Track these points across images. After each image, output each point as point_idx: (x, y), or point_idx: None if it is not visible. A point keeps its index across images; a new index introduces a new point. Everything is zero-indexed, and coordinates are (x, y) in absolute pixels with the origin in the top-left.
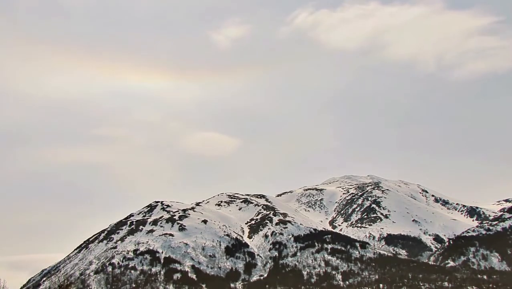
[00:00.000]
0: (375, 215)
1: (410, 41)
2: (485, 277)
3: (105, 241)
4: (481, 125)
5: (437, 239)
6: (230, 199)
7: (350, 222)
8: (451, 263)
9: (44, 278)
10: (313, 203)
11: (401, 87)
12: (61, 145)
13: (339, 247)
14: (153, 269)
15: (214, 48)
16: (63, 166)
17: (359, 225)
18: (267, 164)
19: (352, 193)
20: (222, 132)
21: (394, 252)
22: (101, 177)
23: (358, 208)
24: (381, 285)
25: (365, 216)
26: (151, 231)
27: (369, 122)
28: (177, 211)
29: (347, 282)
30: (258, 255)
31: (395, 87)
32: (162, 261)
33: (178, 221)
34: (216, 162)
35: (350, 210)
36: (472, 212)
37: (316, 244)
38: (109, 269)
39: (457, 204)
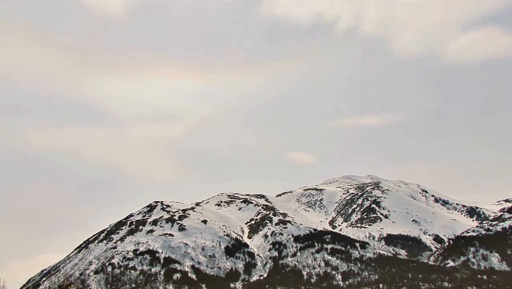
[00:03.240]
0: (375, 215)
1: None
2: (485, 277)
3: (105, 241)
4: (481, 125)
5: (437, 239)
6: (230, 199)
7: (350, 222)
8: (451, 263)
9: (44, 278)
10: (313, 203)
11: (408, 81)
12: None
13: (339, 247)
14: (153, 269)
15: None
16: (62, 162)
17: (359, 225)
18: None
19: (352, 193)
20: (228, 129)
21: (394, 252)
22: (101, 176)
23: (358, 208)
24: (381, 285)
25: (365, 216)
26: (151, 231)
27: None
28: (177, 211)
29: (347, 282)
30: (258, 255)
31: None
32: (162, 261)
33: (178, 221)
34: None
35: (350, 210)
36: (472, 212)
37: (316, 244)
38: (109, 269)
39: (457, 204)
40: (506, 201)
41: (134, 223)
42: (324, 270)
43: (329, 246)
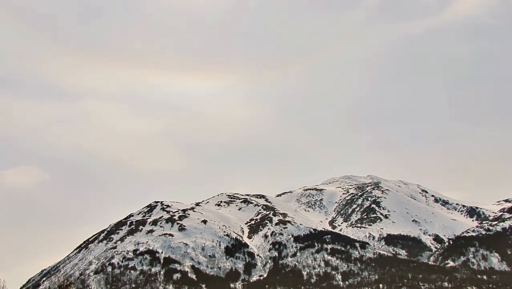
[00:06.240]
0: (375, 215)
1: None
2: (485, 277)
3: (104, 241)
4: (481, 125)
5: (437, 239)
6: (229, 199)
7: (350, 222)
8: (451, 263)
9: (44, 278)
10: (313, 203)
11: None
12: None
13: (339, 247)
14: (153, 269)
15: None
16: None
17: (359, 225)
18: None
19: (352, 193)
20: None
21: (394, 252)
22: (101, 176)
23: (358, 208)
24: (381, 285)
25: (365, 216)
26: (151, 231)
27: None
28: (177, 211)
29: (347, 282)
30: (258, 255)
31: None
32: (161, 261)
33: (178, 221)
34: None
35: (350, 210)
36: (472, 212)
37: (316, 244)
38: (109, 269)
39: (457, 204)
40: (506, 201)
41: (134, 223)
42: (324, 270)
43: (329, 246)
